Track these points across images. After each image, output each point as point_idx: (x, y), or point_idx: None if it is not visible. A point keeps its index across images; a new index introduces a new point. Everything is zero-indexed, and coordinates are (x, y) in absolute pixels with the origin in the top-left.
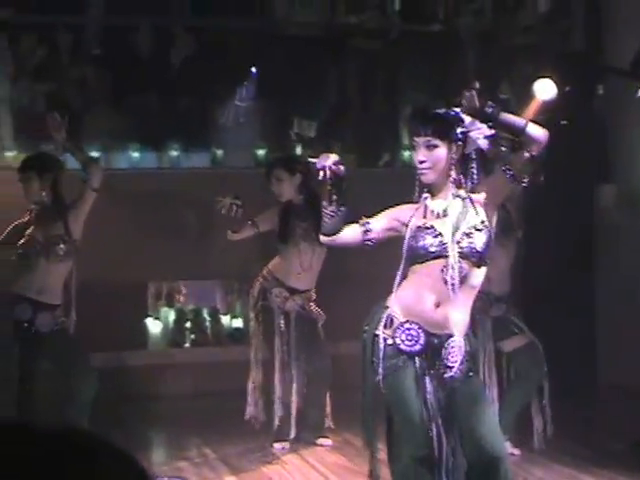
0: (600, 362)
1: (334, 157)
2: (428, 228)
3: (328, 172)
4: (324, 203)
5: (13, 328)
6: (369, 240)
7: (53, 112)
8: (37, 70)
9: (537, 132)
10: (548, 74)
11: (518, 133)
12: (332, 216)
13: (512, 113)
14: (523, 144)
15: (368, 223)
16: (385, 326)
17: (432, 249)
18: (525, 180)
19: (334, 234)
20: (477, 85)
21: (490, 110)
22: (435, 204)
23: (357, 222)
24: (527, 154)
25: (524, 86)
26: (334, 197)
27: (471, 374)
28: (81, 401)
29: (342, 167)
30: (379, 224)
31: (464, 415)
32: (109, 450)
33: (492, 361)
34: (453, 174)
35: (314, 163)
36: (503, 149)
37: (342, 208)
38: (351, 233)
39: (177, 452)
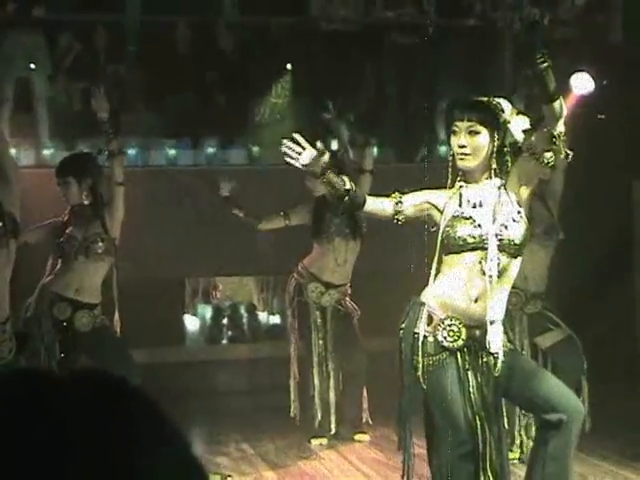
0: None
1: (310, 152)
2: (467, 218)
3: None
4: (339, 186)
5: (52, 327)
6: (400, 213)
7: (99, 87)
8: (73, 68)
9: (560, 107)
10: (585, 68)
11: (547, 96)
12: (349, 190)
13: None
14: (544, 119)
15: (401, 197)
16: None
17: (470, 240)
18: (548, 159)
19: (363, 204)
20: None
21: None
22: (471, 193)
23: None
24: (546, 131)
25: (561, 80)
26: (343, 180)
27: (512, 348)
28: None
29: (325, 155)
30: (412, 201)
31: (522, 386)
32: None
33: (528, 357)
34: (492, 163)
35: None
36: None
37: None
38: (384, 205)
39: (215, 448)
